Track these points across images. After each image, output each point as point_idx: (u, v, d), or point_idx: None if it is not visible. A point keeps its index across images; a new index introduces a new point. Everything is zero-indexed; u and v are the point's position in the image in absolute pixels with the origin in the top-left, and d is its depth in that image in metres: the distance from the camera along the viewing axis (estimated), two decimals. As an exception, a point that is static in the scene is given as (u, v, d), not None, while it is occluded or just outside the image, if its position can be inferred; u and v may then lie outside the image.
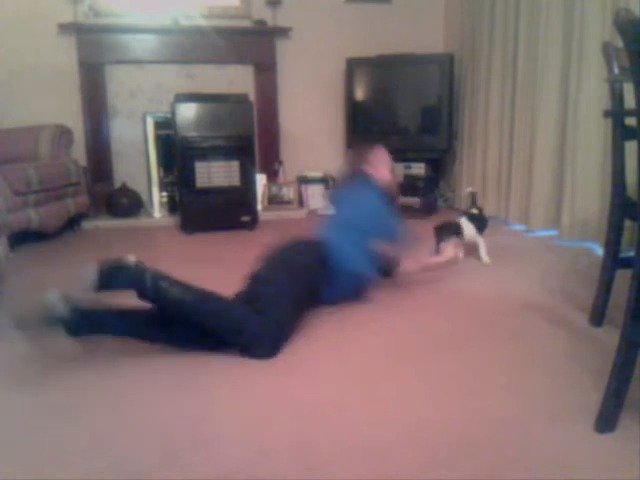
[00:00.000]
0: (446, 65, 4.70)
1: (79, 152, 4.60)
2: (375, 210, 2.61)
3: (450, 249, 2.97)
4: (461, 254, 3.16)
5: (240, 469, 1.36)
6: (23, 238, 3.66)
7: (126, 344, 2.10)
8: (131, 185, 4.73)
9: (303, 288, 2.21)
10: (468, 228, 3.15)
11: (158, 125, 4.87)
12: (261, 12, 4.89)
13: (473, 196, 3.53)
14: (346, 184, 2.83)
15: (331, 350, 2.06)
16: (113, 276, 2.02)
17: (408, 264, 2.81)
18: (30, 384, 1.85)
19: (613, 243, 2.13)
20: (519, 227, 4.05)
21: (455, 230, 3.11)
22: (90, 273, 1.99)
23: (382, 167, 2.73)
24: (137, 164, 4.89)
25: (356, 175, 2.74)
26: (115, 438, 1.52)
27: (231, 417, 1.61)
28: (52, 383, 1.84)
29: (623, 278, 1.80)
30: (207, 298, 2.04)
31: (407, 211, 4.59)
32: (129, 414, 1.65)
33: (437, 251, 3.04)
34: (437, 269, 2.94)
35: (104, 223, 4.55)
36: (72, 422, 1.60)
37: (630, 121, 1.95)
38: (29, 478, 1.36)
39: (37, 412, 1.67)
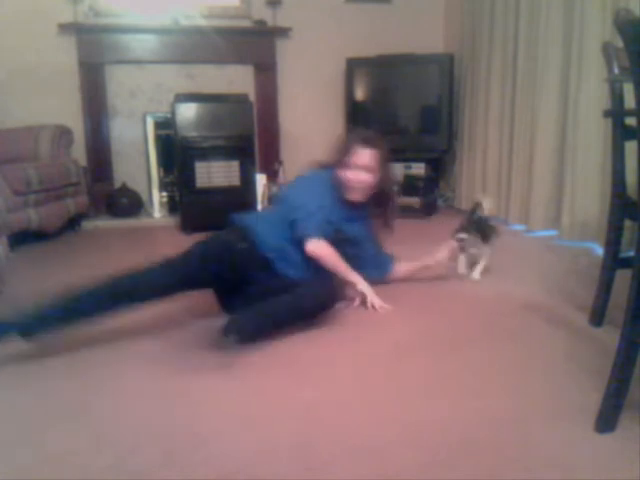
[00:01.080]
0: (446, 65, 4.70)
1: (79, 152, 4.60)
2: (296, 187, 2.56)
3: (444, 251, 2.74)
4: (463, 269, 2.86)
5: (240, 469, 1.36)
6: (23, 238, 3.66)
7: (122, 343, 2.11)
8: (131, 185, 4.73)
9: (215, 251, 2.26)
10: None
11: (158, 125, 4.87)
12: (261, 12, 4.89)
13: (477, 207, 2.96)
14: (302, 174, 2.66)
15: (331, 350, 2.06)
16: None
17: (398, 269, 2.76)
18: (30, 385, 1.85)
19: (613, 243, 2.13)
20: (519, 227, 4.05)
21: (479, 226, 2.76)
22: None
23: (351, 171, 2.46)
24: (137, 164, 4.89)
25: (321, 167, 2.59)
26: (114, 438, 1.52)
27: (230, 417, 1.61)
28: (51, 384, 1.84)
29: (623, 278, 1.80)
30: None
31: (407, 211, 4.60)
32: (128, 414, 1.65)
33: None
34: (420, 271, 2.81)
35: (104, 223, 4.55)
36: (71, 422, 1.60)
37: (630, 121, 1.95)
38: (29, 478, 1.36)
39: (37, 412, 1.67)
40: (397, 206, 2.72)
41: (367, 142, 2.47)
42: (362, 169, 2.43)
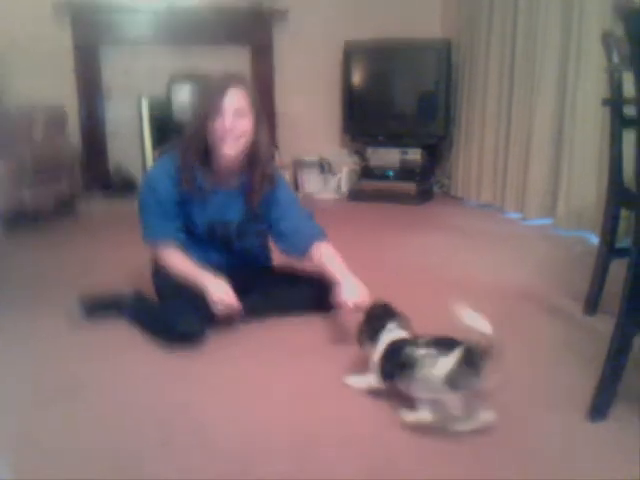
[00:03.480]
0: (444, 50, 4.65)
1: (73, 133, 4.55)
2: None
3: (353, 299, 1.93)
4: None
5: (236, 452, 1.37)
6: (16, 219, 3.64)
7: (120, 326, 2.11)
8: (126, 167, 4.70)
9: None
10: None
11: (153, 107, 4.81)
12: (258, -7, 4.84)
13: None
14: None
15: (327, 336, 2.06)
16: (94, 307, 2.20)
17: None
18: (29, 368, 1.85)
19: (609, 232, 2.14)
20: (514, 215, 4.04)
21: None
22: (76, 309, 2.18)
23: (221, 119, 1.97)
24: (132, 146, 4.84)
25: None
26: (111, 421, 1.53)
27: (227, 401, 1.62)
28: (49, 367, 1.84)
29: (618, 268, 1.80)
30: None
31: (402, 197, 4.59)
32: (125, 397, 1.66)
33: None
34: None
35: (98, 204, 4.52)
36: (69, 405, 1.60)
37: (628, 110, 1.95)
38: (25, 462, 1.36)
39: (34, 395, 1.67)
40: (271, 169, 2.17)
41: (231, 81, 2.03)
42: (232, 113, 1.97)
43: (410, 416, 1.46)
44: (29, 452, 1.39)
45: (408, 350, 1.47)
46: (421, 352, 1.44)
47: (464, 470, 1.31)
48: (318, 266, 2.11)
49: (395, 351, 1.51)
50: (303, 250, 2.14)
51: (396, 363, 1.50)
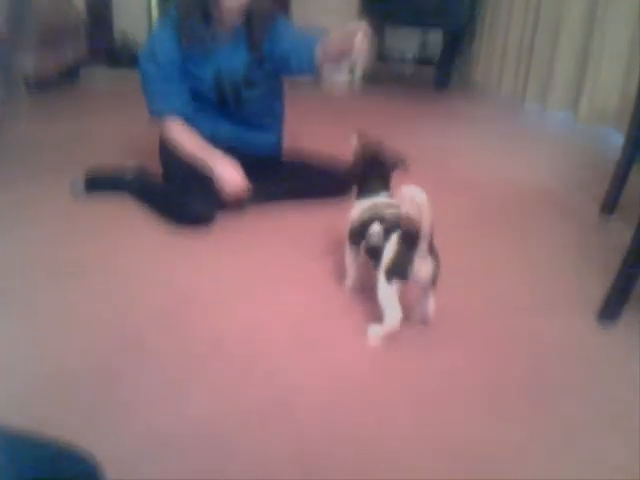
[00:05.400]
0: None
1: (77, -2, 4.32)
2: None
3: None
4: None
5: (238, 330, 1.39)
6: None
7: (128, 206, 2.07)
8: (132, 37, 4.50)
9: None
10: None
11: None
12: None
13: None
14: None
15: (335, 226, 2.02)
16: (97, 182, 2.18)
17: None
18: (32, 247, 1.82)
19: (635, 130, 2.03)
20: (535, 107, 3.88)
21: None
22: (78, 183, 2.16)
23: None
24: (138, 15, 4.63)
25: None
26: (113, 292, 1.54)
27: (230, 289, 1.61)
28: (51, 246, 1.82)
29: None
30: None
31: (419, 83, 4.41)
32: (127, 270, 1.66)
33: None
34: None
35: (102, 75, 4.37)
36: (71, 277, 1.60)
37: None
38: (28, 334, 1.36)
39: (41, 271, 1.66)
40: (269, 7, 2.08)
41: None
42: None
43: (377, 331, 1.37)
44: (28, 331, 1.38)
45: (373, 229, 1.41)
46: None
47: (471, 376, 1.29)
48: (322, 59, 2.03)
49: (364, 224, 1.46)
50: (313, 63, 2.03)
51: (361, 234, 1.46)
